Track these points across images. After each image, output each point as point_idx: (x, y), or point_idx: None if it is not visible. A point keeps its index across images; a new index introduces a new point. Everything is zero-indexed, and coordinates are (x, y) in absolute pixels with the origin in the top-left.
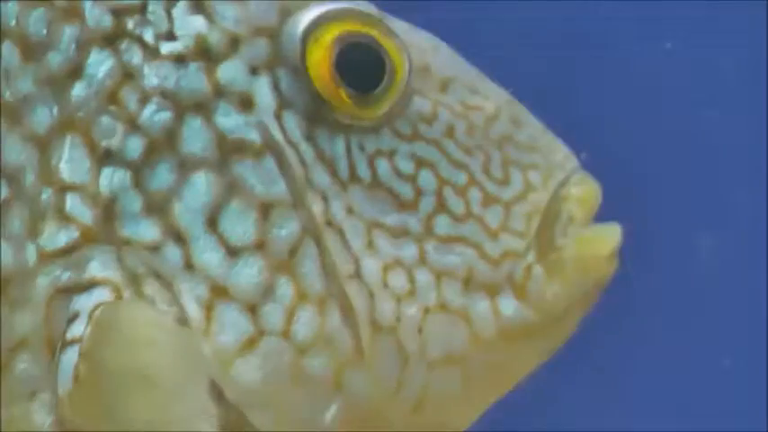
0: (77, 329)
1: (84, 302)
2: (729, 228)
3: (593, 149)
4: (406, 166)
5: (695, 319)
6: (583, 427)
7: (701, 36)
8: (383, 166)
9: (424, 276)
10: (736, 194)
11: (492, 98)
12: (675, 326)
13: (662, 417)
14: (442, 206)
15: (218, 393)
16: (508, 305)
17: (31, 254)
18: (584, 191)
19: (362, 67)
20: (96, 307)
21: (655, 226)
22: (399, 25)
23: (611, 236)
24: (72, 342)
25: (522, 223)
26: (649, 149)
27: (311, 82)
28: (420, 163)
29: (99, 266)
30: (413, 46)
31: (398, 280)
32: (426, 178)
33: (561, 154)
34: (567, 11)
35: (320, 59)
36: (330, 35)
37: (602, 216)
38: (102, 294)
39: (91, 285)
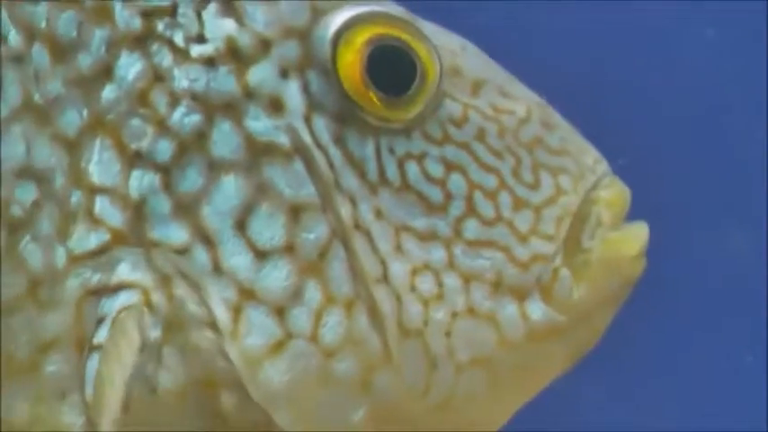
0: (102, 334)
1: (111, 305)
2: (757, 226)
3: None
4: (436, 170)
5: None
6: (593, 425)
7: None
8: (413, 169)
9: (452, 280)
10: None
11: (522, 101)
12: (692, 326)
13: (662, 417)
14: (471, 210)
15: (244, 394)
16: (536, 308)
17: (60, 256)
18: (614, 194)
19: (393, 69)
20: (120, 311)
21: (681, 223)
22: (430, 28)
23: (638, 235)
24: (99, 347)
25: (551, 227)
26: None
27: (341, 84)
28: (450, 166)
29: (128, 269)
30: (444, 49)
31: (426, 283)
32: (456, 182)
33: (591, 157)
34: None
35: (351, 62)
36: (361, 37)
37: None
38: (128, 298)
39: (118, 288)
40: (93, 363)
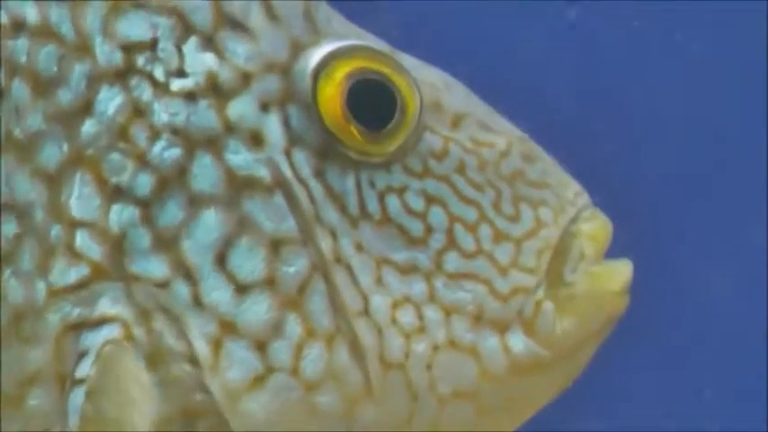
0: (85, 368)
1: (92, 339)
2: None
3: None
4: (417, 203)
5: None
6: (592, 425)
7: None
8: (393, 202)
9: (433, 313)
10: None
11: (503, 134)
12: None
13: (662, 417)
14: (452, 243)
15: (225, 427)
16: (517, 341)
17: (41, 290)
18: (595, 227)
19: (374, 103)
20: (104, 344)
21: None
22: (410, 61)
23: (622, 271)
24: (80, 381)
25: (532, 259)
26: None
27: (321, 118)
28: (430, 199)
29: (109, 303)
30: (424, 82)
31: (407, 316)
32: (437, 215)
33: (572, 190)
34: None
35: (331, 96)
36: (341, 72)
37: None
38: (110, 331)
39: (101, 322)
40: (76, 397)
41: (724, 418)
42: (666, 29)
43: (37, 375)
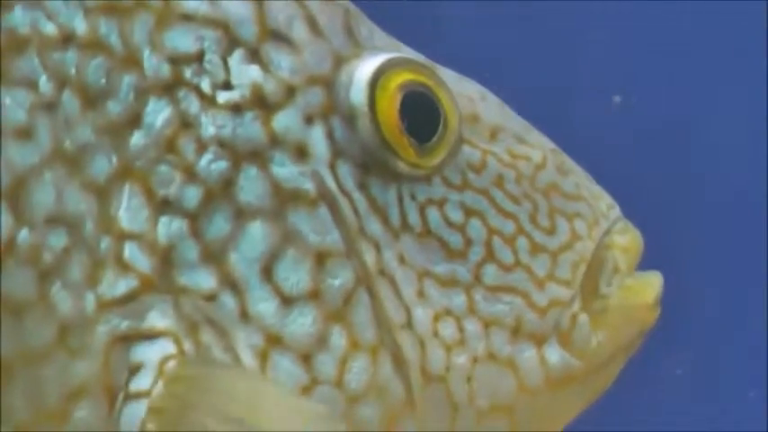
0: (143, 382)
1: (146, 353)
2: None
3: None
4: (456, 216)
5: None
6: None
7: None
8: (434, 215)
9: (472, 326)
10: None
11: (538, 147)
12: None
13: (661, 417)
14: (490, 255)
15: None
16: (554, 354)
17: (90, 302)
18: (628, 240)
19: (420, 116)
20: (163, 361)
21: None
22: (447, 73)
23: (654, 284)
24: (138, 395)
25: (568, 272)
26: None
27: (380, 129)
28: (469, 212)
29: (158, 315)
30: (462, 95)
31: (448, 329)
32: (475, 227)
33: (605, 202)
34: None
35: (387, 107)
36: (394, 83)
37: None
38: (166, 346)
39: (152, 335)
40: (132, 410)
41: (724, 420)
42: (664, 19)
43: (84, 388)
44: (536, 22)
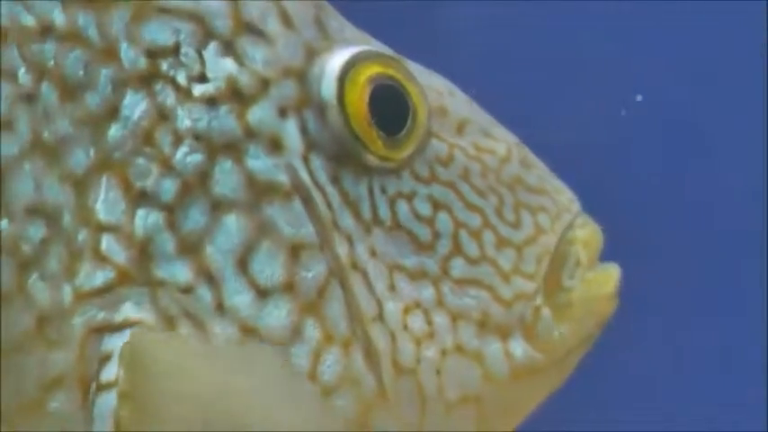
0: (111, 372)
1: (115, 343)
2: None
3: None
4: (425, 209)
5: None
6: (589, 424)
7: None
8: (403, 208)
9: (441, 318)
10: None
11: (503, 140)
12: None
13: (661, 417)
14: (457, 248)
15: None
16: (518, 347)
17: (67, 294)
18: (589, 234)
19: (389, 108)
20: (125, 346)
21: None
22: (415, 67)
23: (612, 276)
24: (108, 386)
25: (532, 266)
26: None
27: (349, 121)
28: (437, 205)
29: (133, 307)
30: (430, 88)
31: (418, 322)
32: (443, 221)
33: (566, 196)
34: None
35: (356, 99)
36: (363, 76)
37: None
38: (133, 336)
39: (124, 326)
40: (104, 401)
41: (723, 420)
42: (657, 22)
43: (60, 378)
44: (551, 21)
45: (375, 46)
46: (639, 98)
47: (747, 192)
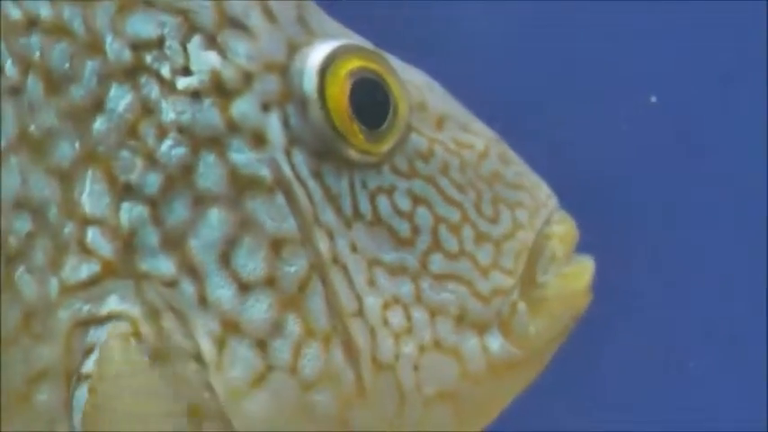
0: (90, 364)
1: (98, 336)
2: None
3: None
4: (404, 204)
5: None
6: (589, 424)
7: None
8: (383, 203)
9: (419, 314)
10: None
11: (481, 135)
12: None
13: (662, 416)
14: (436, 244)
15: (227, 425)
16: (495, 342)
17: (53, 287)
18: (565, 229)
19: (370, 102)
20: (107, 340)
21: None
22: (395, 62)
23: (586, 269)
24: (86, 377)
25: (510, 261)
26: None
27: (330, 115)
28: (417, 200)
29: (118, 300)
30: (409, 83)
31: (397, 317)
32: (423, 216)
33: (543, 192)
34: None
35: (337, 93)
36: (344, 69)
37: None
38: (115, 328)
39: (108, 319)
40: (80, 393)
41: (723, 420)
42: (649, 18)
43: (46, 371)
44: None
45: (355, 40)
46: (654, 99)
47: (749, 191)
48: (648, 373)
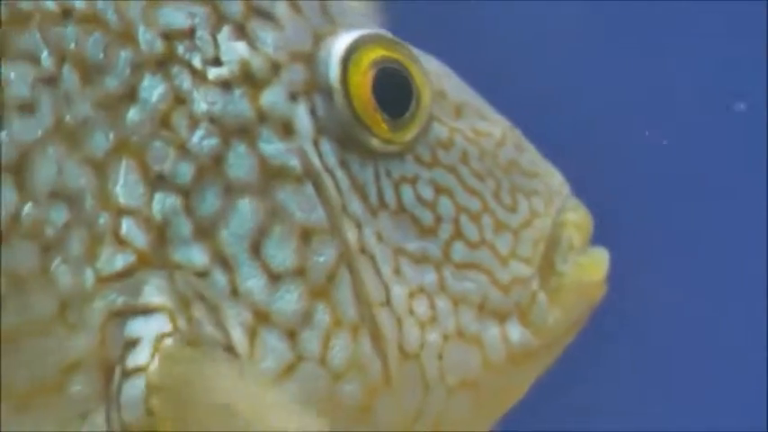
0: (140, 358)
1: (142, 329)
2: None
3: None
4: (427, 193)
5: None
6: (587, 425)
7: None
8: (407, 192)
9: (443, 303)
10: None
11: (498, 123)
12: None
13: (661, 417)
14: (458, 233)
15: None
16: (515, 331)
17: (88, 277)
18: (580, 217)
19: (393, 91)
20: (159, 337)
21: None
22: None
23: (603, 261)
24: (136, 371)
25: (529, 249)
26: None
27: (353, 105)
28: (439, 189)
29: (154, 291)
30: (429, 71)
31: (422, 306)
32: (445, 205)
33: (557, 180)
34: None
35: (360, 83)
36: (367, 59)
37: None
38: (161, 323)
39: (147, 311)
40: (132, 386)
41: (724, 420)
42: (659, 34)
43: (80, 362)
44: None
45: (374, 28)
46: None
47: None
48: (648, 372)
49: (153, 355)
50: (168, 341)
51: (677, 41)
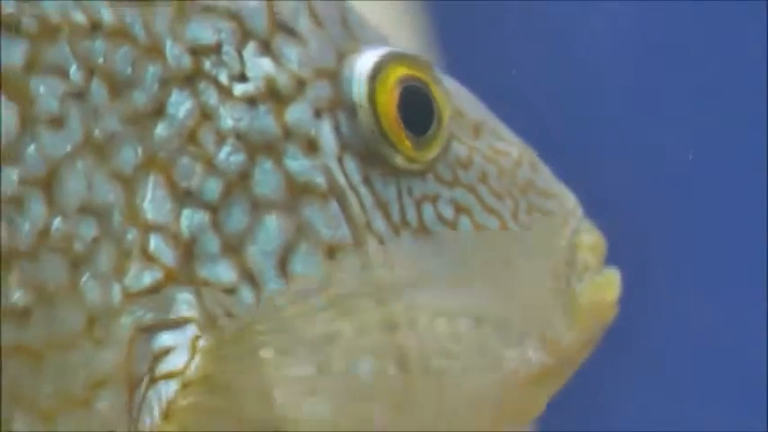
0: (176, 363)
1: (175, 338)
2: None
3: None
4: (448, 212)
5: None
6: (586, 425)
7: None
8: (428, 211)
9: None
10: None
11: (514, 143)
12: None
13: (661, 417)
14: None
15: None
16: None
17: (116, 293)
18: (594, 239)
19: (416, 110)
20: (194, 339)
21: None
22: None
23: (615, 281)
24: (169, 376)
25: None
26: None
27: (380, 122)
28: (459, 208)
29: (184, 306)
30: (449, 90)
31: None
32: (464, 224)
33: (571, 201)
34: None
35: (387, 101)
36: (393, 77)
37: None
38: (193, 329)
39: (178, 324)
40: (159, 391)
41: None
42: (665, 28)
43: (107, 377)
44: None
45: (393, 45)
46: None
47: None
48: (648, 373)
49: (192, 357)
50: (203, 342)
51: (677, 41)
